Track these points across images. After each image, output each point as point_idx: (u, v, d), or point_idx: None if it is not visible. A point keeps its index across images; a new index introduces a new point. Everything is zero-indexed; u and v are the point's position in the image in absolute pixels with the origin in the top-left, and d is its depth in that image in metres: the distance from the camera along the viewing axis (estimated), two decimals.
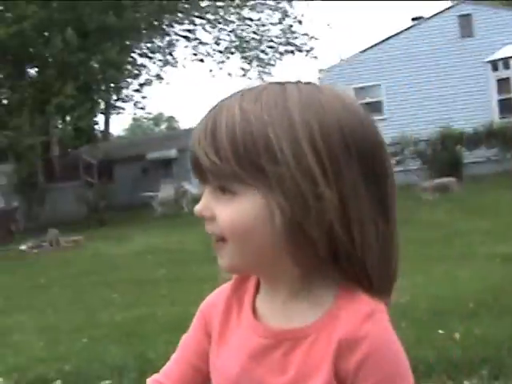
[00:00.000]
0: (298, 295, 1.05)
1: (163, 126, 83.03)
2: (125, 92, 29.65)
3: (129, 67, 26.89)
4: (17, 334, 6.78)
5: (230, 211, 0.99)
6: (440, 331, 5.12)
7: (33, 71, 24.36)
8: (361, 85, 23.42)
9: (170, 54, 28.86)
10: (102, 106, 29.39)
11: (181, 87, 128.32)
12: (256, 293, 1.11)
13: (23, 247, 16.63)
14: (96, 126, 34.92)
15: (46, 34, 21.38)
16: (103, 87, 25.22)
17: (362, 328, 0.99)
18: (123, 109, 33.05)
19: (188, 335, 1.18)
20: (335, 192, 0.96)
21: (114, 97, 29.96)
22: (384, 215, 1.03)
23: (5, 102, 23.99)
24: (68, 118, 22.87)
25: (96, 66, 22.80)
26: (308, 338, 1.02)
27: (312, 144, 0.96)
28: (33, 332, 6.80)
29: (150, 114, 52.96)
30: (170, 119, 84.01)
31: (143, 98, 30.73)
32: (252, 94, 1.00)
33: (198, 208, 1.03)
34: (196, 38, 28.63)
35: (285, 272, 1.03)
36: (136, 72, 28.08)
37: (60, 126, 24.43)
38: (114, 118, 51.65)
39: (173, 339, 4.31)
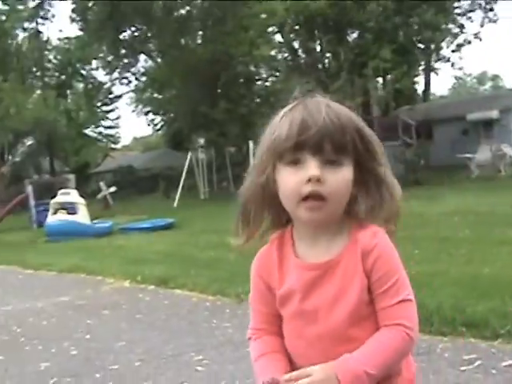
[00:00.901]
0: (334, 234, 1.61)
1: (488, 85, 79.86)
2: (443, 53, 29.12)
3: (447, 27, 26.40)
4: None
5: (336, 178, 1.53)
6: None
7: (353, 36, 25.11)
8: None
9: (491, 10, 27.70)
10: (421, 67, 29.29)
11: (507, 45, 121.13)
12: (293, 244, 1.65)
13: None
14: (416, 87, 34.91)
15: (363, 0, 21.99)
16: (420, 49, 25.23)
17: (372, 242, 1.57)
18: (439, 69, 32.57)
19: (253, 294, 1.72)
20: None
21: (434, 57, 29.73)
22: (379, 173, 1.63)
23: (326, 66, 25.17)
24: (386, 80, 23.38)
25: (412, 28, 22.88)
26: (343, 260, 1.58)
27: (361, 135, 1.60)
28: None
29: (469, 74, 51.36)
30: (495, 78, 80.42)
31: (460, 58, 30.00)
32: (335, 103, 1.61)
33: (316, 173, 1.51)
34: None
35: (336, 219, 1.60)
36: (455, 32, 27.44)
37: (378, 88, 25.01)
38: (437, 79, 51.27)
39: (457, 293, 4.66)
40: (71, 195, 18.55)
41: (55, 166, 44.95)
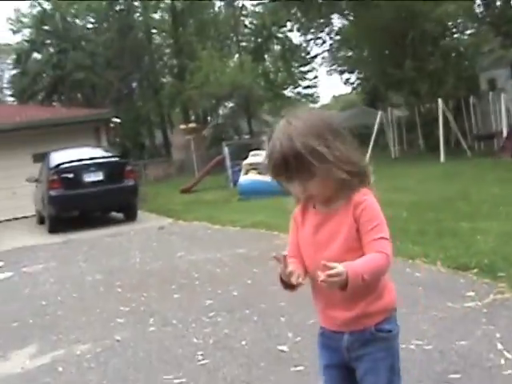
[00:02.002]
0: (338, 196, 2.32)
1: None
2: None
3: None
4: (479, 236, 7.75)
5: (312, 183, 2.25)
6: None
7: None
8: None
9: None
10: None
11: None
12: (314, 204, 2.41)
13: None
14: None
15: None
16: None
17: (361, 198, 2.28)
18: None
19: (290, 232, 2.51)
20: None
21: None
22: (352, 150, 2.33)
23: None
24: None
25: None
26: (339, 211, 2.32)
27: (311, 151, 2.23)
28: (492, 235, 7.69)
29: None
30: None
31: None
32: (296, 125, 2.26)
33: (297, 193, 2.33)
34: None
35: (335, 191, 2.31)
36: None
37: None
38: None
39: None
40: (261, 156, 19.66)
41: (253, 128, 46.93)
